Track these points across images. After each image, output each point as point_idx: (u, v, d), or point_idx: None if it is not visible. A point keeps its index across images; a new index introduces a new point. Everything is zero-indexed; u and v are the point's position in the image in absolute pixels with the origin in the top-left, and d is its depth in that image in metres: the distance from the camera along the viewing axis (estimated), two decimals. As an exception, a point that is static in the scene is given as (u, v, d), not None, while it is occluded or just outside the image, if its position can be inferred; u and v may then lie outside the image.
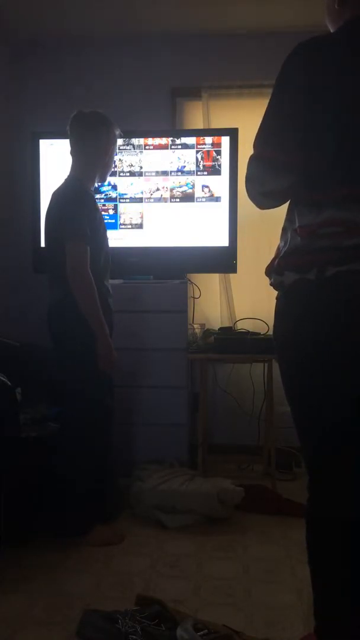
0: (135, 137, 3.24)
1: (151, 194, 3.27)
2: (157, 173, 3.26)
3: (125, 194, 3.29)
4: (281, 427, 2.95)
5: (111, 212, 3.29)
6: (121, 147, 3.21)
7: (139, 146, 3.27)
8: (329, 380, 1.39)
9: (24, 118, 3.58)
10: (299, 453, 2.88)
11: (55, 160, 3.25)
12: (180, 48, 3.53)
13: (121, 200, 3.29)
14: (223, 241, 3.22)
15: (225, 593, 2.09)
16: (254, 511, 2.77)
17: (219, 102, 3.51)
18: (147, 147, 3.27)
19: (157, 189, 3.26)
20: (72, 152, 2.54)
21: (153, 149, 3.27)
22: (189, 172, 3.25)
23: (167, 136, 3.27)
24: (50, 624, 1.90)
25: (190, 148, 3.25)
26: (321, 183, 1.38)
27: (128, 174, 3.28)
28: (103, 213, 2.82)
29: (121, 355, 2.51)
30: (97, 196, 3.06)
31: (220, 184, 3.22)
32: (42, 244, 3.01)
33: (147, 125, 3.36)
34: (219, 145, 3.23)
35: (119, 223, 3.29)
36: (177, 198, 3.25)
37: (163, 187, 3.26)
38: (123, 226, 3.29)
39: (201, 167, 3.24)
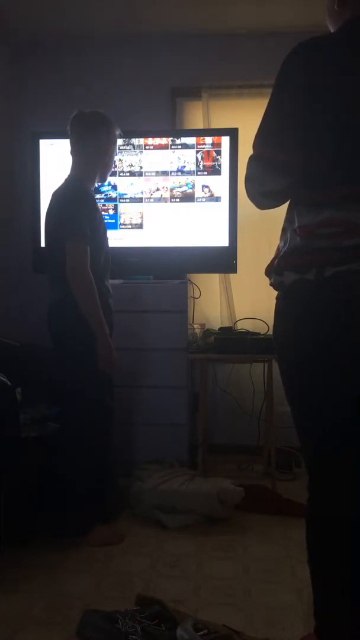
0: (135, 137, 3.24)
1: (151, 194, 3.27)
2: (157, 173, 3.26)
3: (125, 194, 3.29)
4: (281, 427, 2.95)
5: (111, 212, 3.29)
6: (121, 147, 3.21)
7: (139, 146, 3.27)
8: (329, 380, 1.39)
9: (24, 118, 3.58)
10: (299, 453, 2.88)
11: (55, 160, 3.25)
12: (180, 48, 3.53)
13: (121, 200, 3.29)
14: (223, 241, 3.22)
15: (225, 593, 2.09)
16: (254, 511, 2.77)
17: (219, 102, 3.51)
18: (147, 147, 3.27)
19: (157, 189, 3.27)
20: (72, 152, 2.54)
21: (153, 149, 3.27)
22: (189, 172, 3.25)
23: (167, 136, 3.27)
24: (50, 624, 1.90)
25: (190, 148, 3.25)
26: (321, 183, 1.38)
27: (128, 174, 3.28)
28: (103, 213, 2.82)
29: (121, 355, 2.51)
30: (97, 196, 3.06)
31: (220, 184, 3.22)
32: (42, 244, 3.01)
33: (147, 125, 3.36)
34: (219, 145, 3.23)
35: (119, 223, 3.29)
36: (177, 198, 3.25)
37: (163, 187, 3.26)
38: (123, 226, 3.29)
39: (201, 167, 3.24)
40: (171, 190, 3.26)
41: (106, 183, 2.99)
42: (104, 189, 3.26)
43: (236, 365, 3.46)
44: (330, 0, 1.49)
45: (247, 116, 3.23)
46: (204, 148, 3.24)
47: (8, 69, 3.60)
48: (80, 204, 2.42)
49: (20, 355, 2.90)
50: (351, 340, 1.35)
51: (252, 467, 3.38)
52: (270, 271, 1.51)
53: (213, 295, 3.55)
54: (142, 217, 3.27)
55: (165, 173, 3.26)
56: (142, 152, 3.27)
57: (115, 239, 3.14)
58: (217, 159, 3.23)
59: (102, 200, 3.26)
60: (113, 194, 3.30)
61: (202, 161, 3.24)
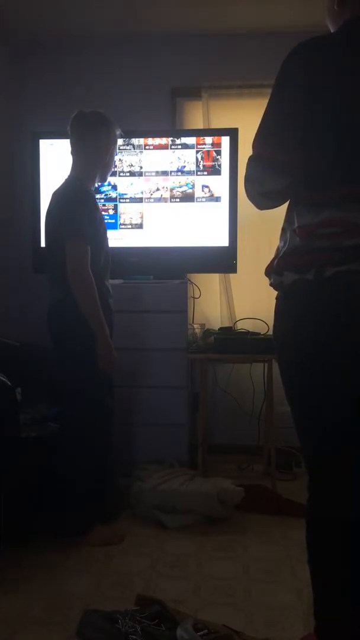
0: (135, 137, 3.24)
1: (151, 194, 3.27)
2: (157, 173, 3.26)
3: (125, 194, 3.29)
4: (281, 427, 2.95)
5: (111, 212, 3.29)
6: (121, 147, 3.21)
7: (139, 146, 3.27)
8: (329, 380, 1.39)
9: (24, 118, 3.58)
10: (299, 453, 2.88)
11: (55, 160, 3.25)
12: (180, 48, 3.53)
13: (121, 200, 3.29)
14: (223, 241, 3.22)
15: (225, 593, 2.09)
16: (254, 511, 2.77)
17: (219, 102, 3.51)
18: (147, 147, 3.27)
19: (157, 189, 3.27)
20: (73, 152, 2.54)
21: (153, 149, 3.27)
22: (189, 172, 3.25)
23: (167, 136, 3.27)
24: (50, 624, 1.90)
25: (190, 148, 3.25)
26: (321, 183, 1.38)
27: (128, 174, 3.28)
28: (103, 213, 2.82)
29: (121, 355, 2.51)
30: (97, 196, 3.06)
31: (220, 184, 3.22)
32: (42, 244, 3.01)
33: (147, 125, 3.36)
34: (219, 145, 3.23)
35: (119, 223, 3.29)
36: (177, 198, 3.25)
37: (163, 187, 3.26)
38: (123, 226, 3.29)
39: (201, 167, 3.24)
40: (171, 190, 3.26)
41: (106, 183, 2.99)
42: (104, 189, 3.26)
43: (236, 365, 3.46)
44: (330, 1, 1.49)
45: (247, 116, 3.22)
46: (204, 148, 3.24)
47: (8, 69, 3.60)
48: (81, 204, 2.42)
49: (20, 355, 2.90)
50: (351, 340, 1.35)
51: (252, 467, 3.38)
52: (270, 271, 1.51)
53: (213, 295, 3.55)
54: (142, 217, 3.27)
55: (165, 173, 3.26)
56: (142, 152, 3.27)
57: (115, 239, 3.14)
58: (217, 159, 3.23)
59: (102, 200, 3.26)
60: (113, 194, 3.30)
61: (202, 161, 3.24)
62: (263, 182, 1.45)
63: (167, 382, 3.05)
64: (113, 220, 3.28)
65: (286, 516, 2.70)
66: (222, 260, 3.25)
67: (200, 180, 3.24)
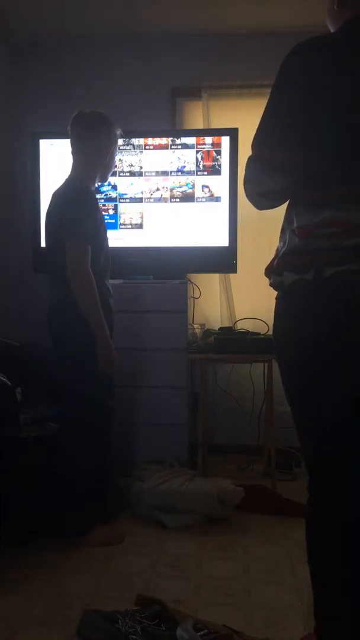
0: (135, 137, 3.24)
1: (151, 194, 3.27)
2: (157, 173, 3.26)
3: (125, 194, 3.29)
4: (281, 427, 2.95)
5: (111, 212, 3.29)
6: (121, 147, 3.21)
7: (139, 146, 3.27)
8: (329, 380, 1.39)
9: (24, 118, 3.58)
10: (299, 453, 2.88)
11: (55, 160, 3.25)
12: (180, 48, 3.53)
13: (121, 200, 3.29)
14: (223, 241, 3.22)
15: (225, 593, 2.09)
16: (254, 511, 2.77)
17: (219, 102, 3.51)
18: (147, 147, 3.27)
19: (157, 189, 3.27)
20: (73, 152, 2.54)
21: (153, 149, 3.27)
22: (189, 172, 3.25)
23: (167, 136, 3.27)
24: (50, 624, 1.90)
25: (190, 148, 3.25)
26: (321, 183, 1.38)
27: (128, 174, 3.28)
28: (103, 213, 2.82)
29: (121, 355, 2.51)
30: (97, 196, 3.06)
31: (220, 184, 3.22)
32: (42, 244, 3.01)
33: (147, 125, 3.37)
34: (219, 145, 3.23)
35: (119, 223, 3.29)
36: (177, 198, 3.25)
37: (163, 187, 3.26)
38: (123, 226, 3.29)
39: (201, 167, 3.24)
40: (171, 190, 3.26)
41: (106, 183, 2.99)
42: (104, 189, 3.26)
43: (236, 365, 3.46)
44: (330, 1, 1.49)
45: (247, 116, 3.21)
46: (204, 148, 3.24)
47: (8, 69, 3.60)
48: (81, 204, 2.42)
49: (20, 355, 2.90)
50: (351, 340, 1.35)
51: (252, 467, 3.38)
52: (270, 271, 1.51)
53: (213, 295, 3.55)
54: (142, 217, 3.27)
55: (165, 173, 3.26)
56: (142, 152, 3.27)
57: (115, 239, 3.14)
58: (217, 159, 3.23)
59: (102, 200, 3.25)
60: (113, 194, 3.30)
61: (202, 161, 3.24)
62: (262, 182, 1.45)
63: (167, 382, 3.05)
64: (113, 220, 3.28)
65: (286, 516, 2.70)
66: (222, 260, 3.25)
67: (200, 180, 3.24)
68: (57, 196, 2.49)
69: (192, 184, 3.24)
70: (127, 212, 3.28)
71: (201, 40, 3.50)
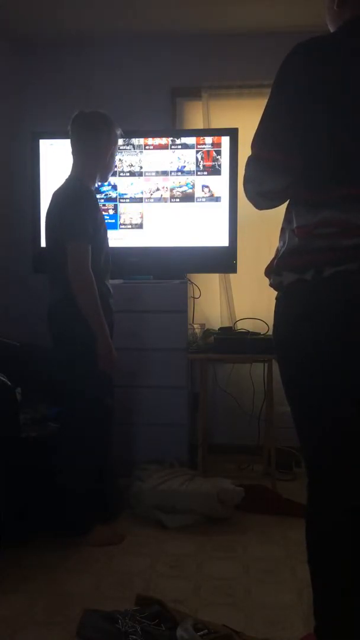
0: (135, 137, 3.24)
1: (151, 194, 3.27)
2: (157, 173, 3.27)
3: (125, 194, 3.29)
4: (281, 427, 2.95)
5: (111, 212, 3.29)
6: (121, 147, 3.21)
7: (139, 146, 3.27)
8: (329, 380, 1.39)
9: (24, 118, 3.58)
10: (299, 453, 2.88)
11: (55, 160, 3.25)
12: (180, 48, 3.53)
13: (121, 200, 3.29)
14: (223, 241, 3.22)
15: (225, 593, 2.09)
16: (254, 511, 2.77)
17: (219, 102, 3.51)
18: (147, 147, 3.27)
19: (157, 189, 3.27)
20: (73, 152, 2.54)
21: (153, 149, 3.27)
22: (189, 172, 3.25)
23: (167, 136, 3.27)
24: (50, 624, 1.90)
25: (190, 148, 3.25)
26: (320, 183, 1.38)
27: (128, 174, 3.28)
28: (103, 213, 2.82)
29: (121, 355, 2.51)
30: (97, 196, 3.06)
31: (220, 184, 3.22)
32: (42, 244, 3.01)
33: (147, 125, 3.37)
34: (219, 145, 3.23)
35: (119, 223, 3.29)
36: (177, 198, 3.25)
37: (163, 187, 3.26)
38: (123, 226, 3.29)
39: (201, 167, 3.24)
40: (171, 190, 3.26)
41: (106, 183, 2.99)
42: (104, 189, 3.26)
43: (236, 365, 3.46)
44: (330, 1, 1.49)
45: (247, 116, 3.22)
46: (204, 148, 3.24)
47: (8, 69, 3.59)
48: (81, 204, 2.42)
49: (20, 355, 2.90)
50: (351, 340, 1.35)
51: (252, 467, 3.38)
52: (269, 272, 1.51)
53: (213, 295, 3.55)
54: (142, 217, 3.27)
55: (165, 173, 3.26)
56: (142, 152, 3.27)
57: (115, 239, 3.14)
58: (217, 159, 3.23)
59: (102, 200, 3.25)
60: (113, 194, 3.30)
61: (202, 161, 3.24)
62: (262, 182, 1.45)
63: (167, 382, 3.06)
64: (113, 220, 3.28)
65: (286, 516, 2.70)
66: (222, 260, 3.25)
67: (200, 180, 3.24)
68: (57, 196, 2.49)
69: (192, 184, 3.24)
70: (127, 212, 3.28)
71: (201, 40, 3.50)
